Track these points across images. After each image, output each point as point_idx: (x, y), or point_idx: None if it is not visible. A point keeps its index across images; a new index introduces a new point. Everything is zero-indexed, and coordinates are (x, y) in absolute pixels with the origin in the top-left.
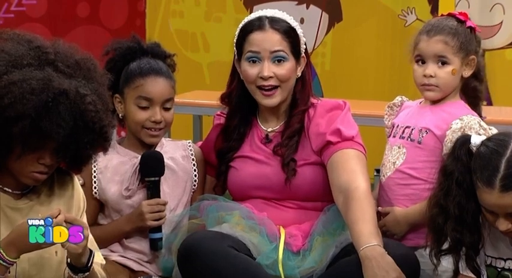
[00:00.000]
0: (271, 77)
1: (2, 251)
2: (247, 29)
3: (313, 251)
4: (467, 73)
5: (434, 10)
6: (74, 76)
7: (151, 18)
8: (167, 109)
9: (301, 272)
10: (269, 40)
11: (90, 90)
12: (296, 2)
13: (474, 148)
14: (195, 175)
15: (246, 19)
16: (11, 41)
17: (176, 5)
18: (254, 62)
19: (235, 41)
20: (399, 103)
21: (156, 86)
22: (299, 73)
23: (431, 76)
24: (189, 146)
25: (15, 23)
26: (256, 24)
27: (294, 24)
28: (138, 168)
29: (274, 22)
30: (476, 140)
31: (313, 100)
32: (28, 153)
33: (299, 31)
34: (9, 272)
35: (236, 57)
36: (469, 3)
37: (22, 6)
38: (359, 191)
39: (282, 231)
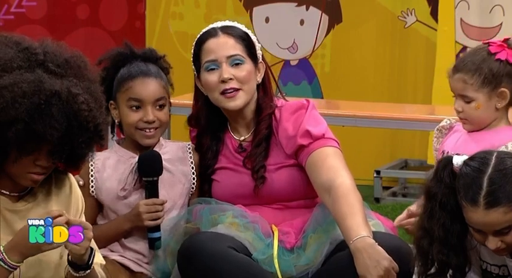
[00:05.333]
0: (231, 79)
1: (4, 255)
2: (201, 40)
3: (307, 249)
4: (500, 104)
5: (434, 11)
6: (65, 76)
7: (151, 20)
8: (160, 109)
9: (296, 269)
10: (224, 46)
11: (82, 88)
12: (296, 4)
13: (457, 169)
14: (193, 178)
15: (199, 33)
16: None
17: (176, 6)
18: (213, 69)
19: (192, 57)
20: (447, 126)
21: (145, 87)
22: (259, 80)
23: (459, 111)
24: (188, 148)
25: (14, 24)
26: (209, 33)
27: (247, 30)
28: (135, 168)
29: (226, 28)
30: (458, 160)
31: (277, 101)
32: (24, 156)
33: (253, 37)
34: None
35: (196, 74)
36: (469, 4)
37: (22, 7)
38: (343, 186)
39: (275, 229)
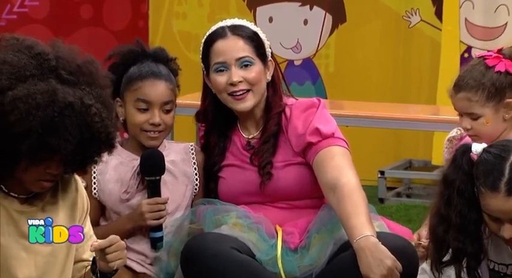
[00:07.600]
0: (240, 82)
1: None
2: (210, 40)
3: (311, 249)
4: (508, 115)
5: (438, 11)
6: (77, 84)
7: (155, 19)
8: (167, 112)
9: (300, 270)
10: (233, 47)
11: (94, 97)
12: (299, 3)
13: (475, 156)
14: (196, 179)
15: (208, 31)
16: (11, 48)
17: (179, 6)
18: (222, 71)
19: (201, 55)
20: (458, 137)
21: (154, 89)
22: (269, 78)
23: (468, 129)
24: (191, 149)
25: (17, 24)
26: (218, 34)
27: (256, 29)
28: (137, 170)
29: (235, 29)
30: (477, 148)
31: (287, 100)
32: (35, 165)
33: (262, 35)
34: None
35: (205, 72)
36: (474, 4)
37: (25, 7)
38: (348, 186)
39: (279, 229)
